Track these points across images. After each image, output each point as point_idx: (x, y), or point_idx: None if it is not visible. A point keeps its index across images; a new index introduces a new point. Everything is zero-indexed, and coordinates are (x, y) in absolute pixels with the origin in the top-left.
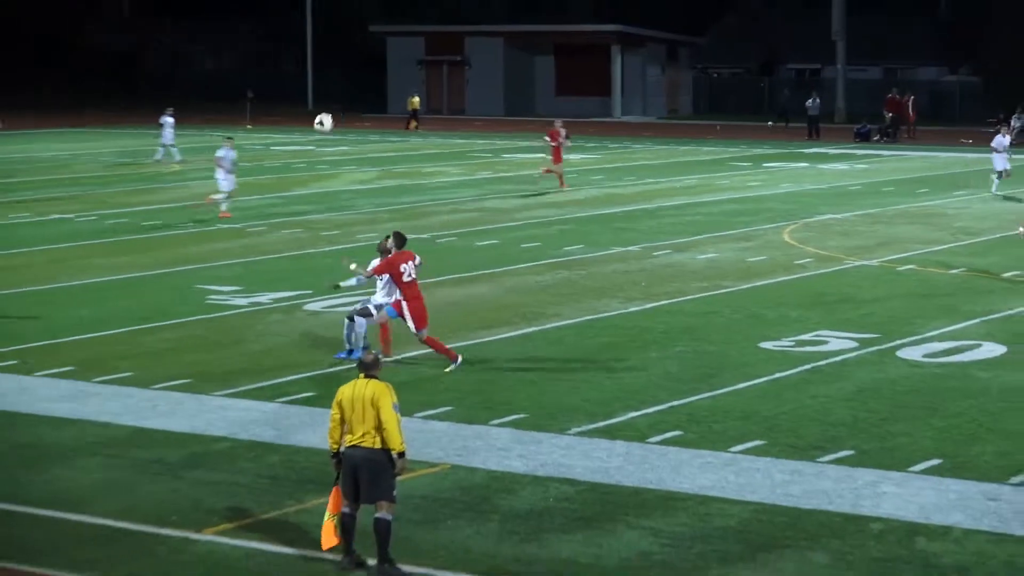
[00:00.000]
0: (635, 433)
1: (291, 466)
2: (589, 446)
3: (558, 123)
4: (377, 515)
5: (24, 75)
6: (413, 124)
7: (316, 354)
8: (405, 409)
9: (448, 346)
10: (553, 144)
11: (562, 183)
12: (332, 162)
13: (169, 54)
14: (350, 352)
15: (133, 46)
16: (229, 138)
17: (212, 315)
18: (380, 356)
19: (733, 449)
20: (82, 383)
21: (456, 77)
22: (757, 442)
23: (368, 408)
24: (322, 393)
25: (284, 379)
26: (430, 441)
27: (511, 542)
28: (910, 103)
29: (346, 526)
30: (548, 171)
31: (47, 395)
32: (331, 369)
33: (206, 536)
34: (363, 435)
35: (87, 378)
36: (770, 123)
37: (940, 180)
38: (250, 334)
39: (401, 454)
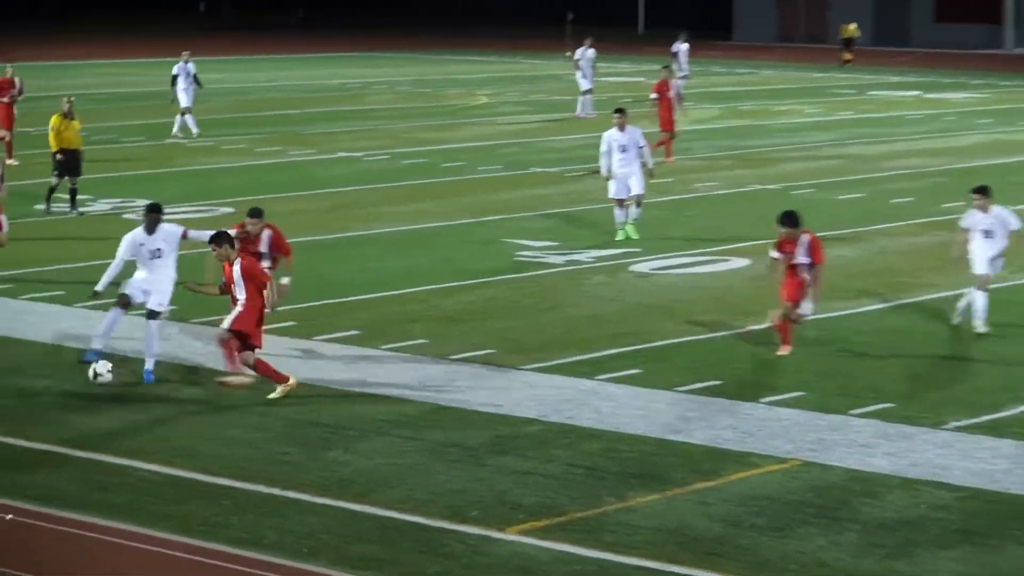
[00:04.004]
0: None
1: (613, 456)
2: (970, 444)
3: None
4: None
5: None
6: (847, 57)
7: (647, 323)
8: (745, 392)
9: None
10: None
11: None
12: None
13: None
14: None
15: None
16: None
17: (522, 274)
18: None
19: None
20: (368, 350)
21: (816, 1)
22: None
23: None
24: (650, 370)
25: (607, 352)
26: (777, 432)
27: (874, 557)
28: None
29: None
30: None
31: (328, 364)
32: (661, 342)
33: (510, 536)
34: None
35: (374, 344)
36: None
37: None
38: (567, 298)
39: None
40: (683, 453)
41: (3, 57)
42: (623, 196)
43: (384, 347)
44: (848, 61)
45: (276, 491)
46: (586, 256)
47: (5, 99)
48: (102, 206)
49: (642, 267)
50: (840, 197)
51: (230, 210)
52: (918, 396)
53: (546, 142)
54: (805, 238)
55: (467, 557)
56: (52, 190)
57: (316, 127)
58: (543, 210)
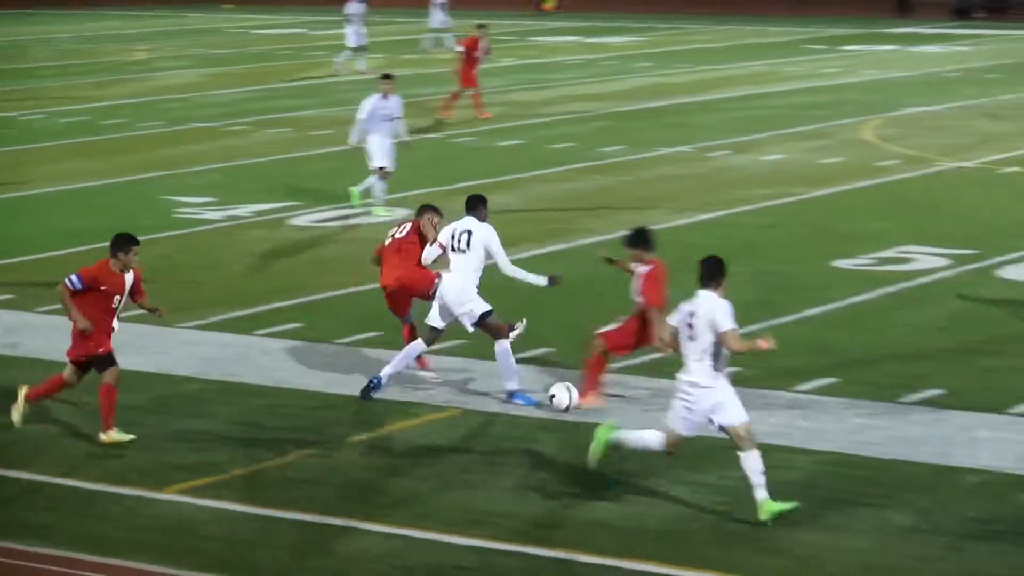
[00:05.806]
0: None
1: (273, 412)
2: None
3: None
4: None
5: None
6: (550, 2)
7: (306, 277)
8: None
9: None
10: None
11: None
12: (327, 48)
13: None
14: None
15: None
16: None
17: (181, 231)
18: None
19: (800, 388)
20: (22, 313)
21: None
22: (829, 380)
23: None
24: (313, 324)
25: (267, 307)
26: (436, 381)
27: (532, 499)
28: None
29: None
30: None
31: None
32: (321, 295)
33: (168, 495)
34: None
35: (28, 307)
36: None
37: None
38: (227, 254)
39: None
40: (344, 406)
41: None
42: (387, 164)
43: (40, 310)
44: (553, 7)
45: None
46: (245, 211)
47: None
48: None
49: (301, 220)
50: (500, 144)
51: None
52: (574, 339)
53: (207, 97)
54: (643, 269)
55: (124, 519)
56: None
57: None
58: (202, 166)
